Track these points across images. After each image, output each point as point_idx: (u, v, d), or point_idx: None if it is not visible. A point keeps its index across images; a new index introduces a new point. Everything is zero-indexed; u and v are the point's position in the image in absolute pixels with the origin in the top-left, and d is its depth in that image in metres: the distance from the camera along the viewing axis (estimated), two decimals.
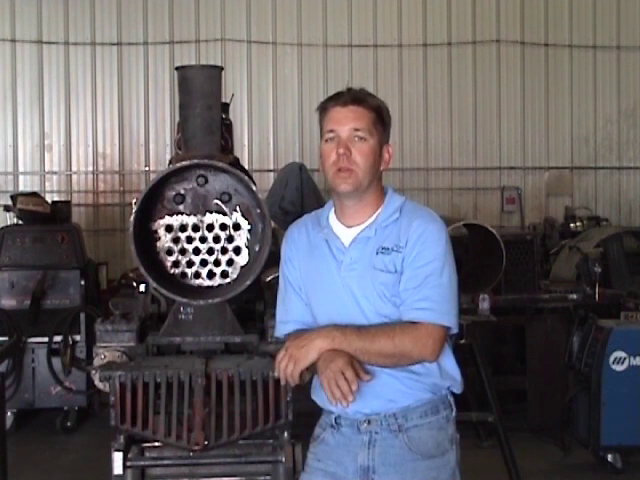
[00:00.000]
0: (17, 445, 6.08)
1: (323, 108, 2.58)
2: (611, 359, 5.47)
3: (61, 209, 7.44)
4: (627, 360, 5.47)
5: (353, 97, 2.54)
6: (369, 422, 2.54)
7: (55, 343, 6.78)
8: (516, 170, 11.68)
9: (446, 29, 11.39)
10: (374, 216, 2.57)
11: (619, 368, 5.47)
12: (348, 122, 2.50)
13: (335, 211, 2.64)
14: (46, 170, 10.52)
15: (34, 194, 7.65)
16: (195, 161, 3.41)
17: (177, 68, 3.64)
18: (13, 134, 10.46)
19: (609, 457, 5.60)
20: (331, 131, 2.52)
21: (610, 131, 12.06)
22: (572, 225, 10.38)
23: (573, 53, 11.87)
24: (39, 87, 10.46)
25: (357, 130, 2.50)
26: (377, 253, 2.51)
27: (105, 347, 3.48)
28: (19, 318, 6.79)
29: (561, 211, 11.45)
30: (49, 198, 8.61)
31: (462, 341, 5.38)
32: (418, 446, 2.52)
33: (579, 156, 11.95)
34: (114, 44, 10.57)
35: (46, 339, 6.77)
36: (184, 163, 3.41)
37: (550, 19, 11.74)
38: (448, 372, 2.57)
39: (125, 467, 3.30)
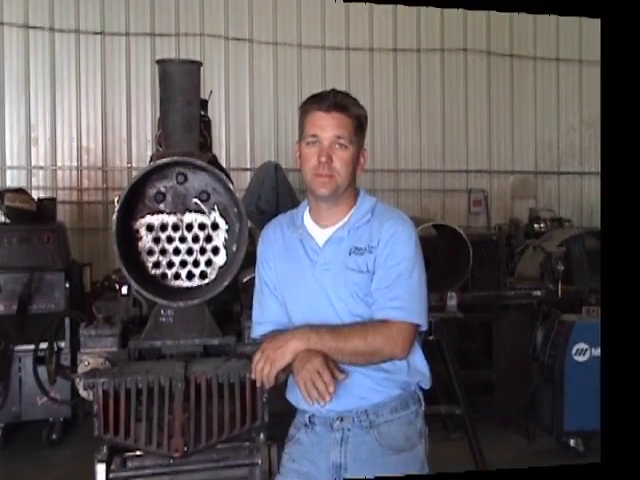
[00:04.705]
0: (4, 462, 5.88)
1: (305, 109, 2.55)
2: (574, 350, 5.62)
3: (47, 207, 6.97)
4: (589, 351, 5.63)
5: (337, 103, 2.50)
6: (341, 419, 2.56)
7: (41, 350, 6.28)
8: (482, 173, 11.88)
9: (415, 36, 11.53)
10: (347, 217, 2.58)
11: (581, 359, 5.62)
12: (331, 129, 2.49)
13: (310, 211, 2.65)
14: (32, 164, 10.21)
15: (20, 190, 7.08)
16: (175, 158, 3.30)
17: (158, 61, 3.51)
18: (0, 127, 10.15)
19: (571, 442, 5.78)
20: (313, 136, 2.51)
21: (573, 138, 12.32)
22: (536, 226, 10.49)
23: (537, 65, 12.13)
24: (25, 76, 10.18)
25: (339, 138, 2.49)
26: (350, 253, 2.52)
27: (89, 353, 3.39)
28: (6, 325, 6.29)
29: (526, 213, 11.65)
30: (34, 195, 8.04)
31: (431, 337, 5.45)
32: (388, 441, 2.55)
33: (543, 161, 12.22)
34: (97, 33, 10.37)
35: (32, 347, 6.28)
36: (164, 160, 3.30)
37: (515, 32, 11.96)
38: (417, 368, 2.60)
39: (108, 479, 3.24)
